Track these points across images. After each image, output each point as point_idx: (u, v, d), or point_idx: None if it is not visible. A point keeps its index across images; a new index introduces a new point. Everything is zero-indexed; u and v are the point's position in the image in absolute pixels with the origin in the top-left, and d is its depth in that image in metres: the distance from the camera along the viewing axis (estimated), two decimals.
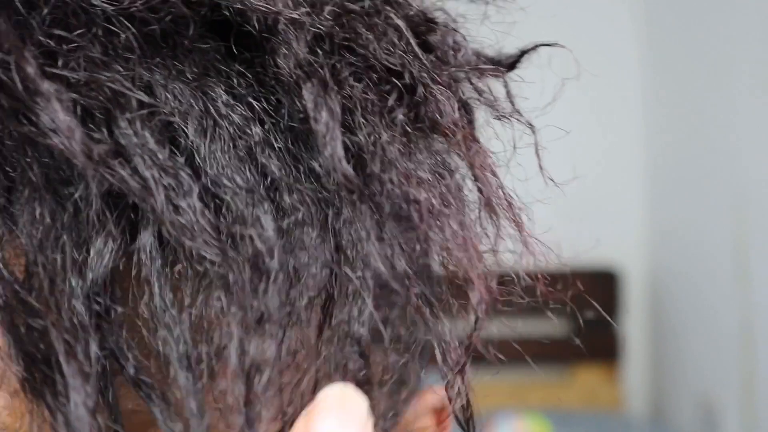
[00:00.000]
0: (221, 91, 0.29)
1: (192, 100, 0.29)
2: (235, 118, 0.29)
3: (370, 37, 0.31)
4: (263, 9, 0.30)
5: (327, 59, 0.30)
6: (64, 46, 0.28)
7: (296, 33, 0.30)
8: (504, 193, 0.33)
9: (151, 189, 0.27)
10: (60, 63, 0.28)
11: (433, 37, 0.33)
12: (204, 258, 0.27)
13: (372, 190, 0.29)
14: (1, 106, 0.27)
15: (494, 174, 0.33)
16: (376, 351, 0.36)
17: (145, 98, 0.28)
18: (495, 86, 0.35)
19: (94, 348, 0.27)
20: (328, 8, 0.31)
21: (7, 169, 0.28)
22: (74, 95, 0.27)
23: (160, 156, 0.27)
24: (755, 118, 1.77)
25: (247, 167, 0.29)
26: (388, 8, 0.32)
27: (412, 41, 0.32)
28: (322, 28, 0.30)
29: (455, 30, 0.34)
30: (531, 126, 0.34)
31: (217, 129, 0.29)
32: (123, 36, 0.29)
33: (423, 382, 0.44)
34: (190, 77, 0.29)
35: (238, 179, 0.28)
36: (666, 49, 2.17)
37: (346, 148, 0.29)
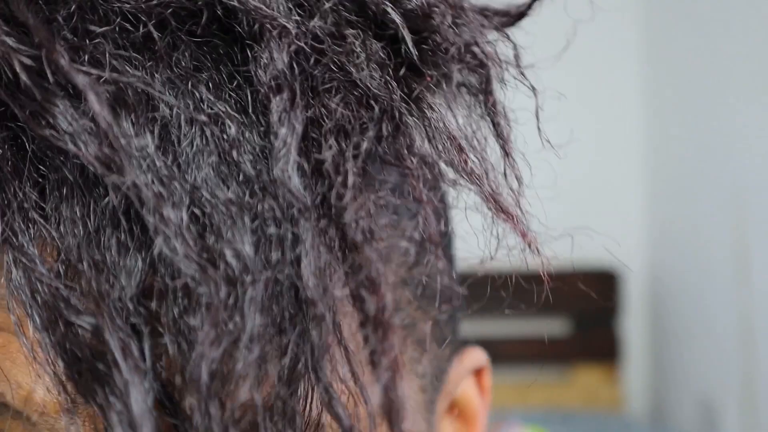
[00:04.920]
0: (206, 90, 0.29)
1: (182, 100, 0.29)
2: (219, 121, 0.29)
3: (362, 56, 0.30)
4: (254, 11, 0.30)
5: (307, 70, 0.30)
6: (89, 43, 0.29)
7: (279, 43, 0.29)
8: (493, 194, 0.33)
9: (145, 197, 0.27)
10: (86, 59, 0.28)
11: (435, 19, 0.32)
12: (185, 276, 0.27)
13: (326, 211, 0.29)
14: (21, 108, 0.28)
15: (479, 183, 0.32)
16: (417, 309, 0.37)
17: (171, 99, 0.28)
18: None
19: (147, 345, 0.27)
20: (324, 14, 0.31)
21: (40, 167, 0.29)
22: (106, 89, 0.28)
23: (157, 163, 0.28)
24: (755, 118, 1.77)
25: (227, 175, 0.29)
26: (389, 9, 0.31)
27: (409, 43, 0.31)
28: (308, 39, 0.30)
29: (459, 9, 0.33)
30: (533, 89, 0.34)
31: (203, 132, 0.29)
32: (140, 32, 0.29)
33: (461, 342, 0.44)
34: (182, 74, 0.29)
35: (219, 192, 0.28)
36: (666, 49, 2.17)
37: (315, 165, 0.29)
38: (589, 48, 2.20)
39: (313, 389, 0.29)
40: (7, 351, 0.30)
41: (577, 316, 2.16)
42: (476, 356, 0.44)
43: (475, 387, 0.44)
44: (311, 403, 0.29)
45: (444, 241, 0.39)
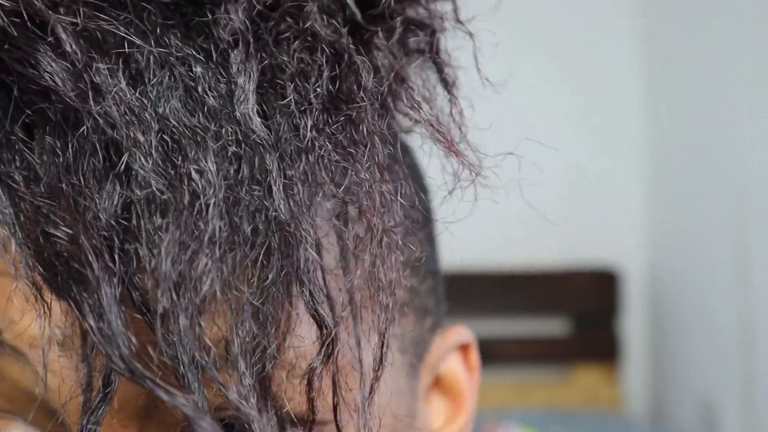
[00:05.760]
0: (176, 38, 0.33)
1: (154, 45, 0.33)
2: (187, 63, 0.33)
3: (314, 8, 0.34)
4: None
5: (262, 26, 0.34)
6: None
7: (235, 5, 0.33)
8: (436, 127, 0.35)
9: (117, 123, 0.31)
10: (63, 12, 0.32)
11: None
12: (152, 186, 0.31)
13: (283, 147, 0.32)
14: (9, 55, 0.31)
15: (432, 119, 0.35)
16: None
17: (142, 43, 0.32)
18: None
19: (117, 250, 0.31)
20: None
21: (27, 111, 0.32)
22: (76, 26, 0.32)
23: (128, 95, 0.31)
24: (756, 118, 1.77)
25: (193, 107, 0.32)
26: None
27: (351, 4, 0.35)
28: None
29: None
30: (470, 34, 0.37)
31: (173, 72, 0.32)
32: None
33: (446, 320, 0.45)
34: (151, 27, 0.33)
35: (185, 120, 0.32)
36: (666, 49, 2.17)
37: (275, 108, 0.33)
38: (589, 48, 2.21)
39: (288, 298, 0.32)
40: (3, 291, 0.34)
41: (577, 316, 2.16)
42: (460, 332, 0.45)
43: (461, 364, 0.45)
44: (285, 307, 0.32)
45: (424, 220, 0.42)
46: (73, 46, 0.31)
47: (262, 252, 0.31)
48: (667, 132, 2.18)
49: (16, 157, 0.32)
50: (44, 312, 0.32)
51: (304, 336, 0.33)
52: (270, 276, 0.31)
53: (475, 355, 0.45)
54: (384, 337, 0.34)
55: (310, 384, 0.33)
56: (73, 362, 0.33)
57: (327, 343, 0.32)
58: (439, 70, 0.37)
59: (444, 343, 0.44)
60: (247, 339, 0.31)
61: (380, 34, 0.35)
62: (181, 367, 0.30)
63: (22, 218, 0.31)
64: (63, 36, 0.31)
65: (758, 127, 1.76)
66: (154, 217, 0.30)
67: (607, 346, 2.15)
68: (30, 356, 0.33)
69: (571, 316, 2.17)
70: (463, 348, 0.45)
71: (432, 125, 0.35)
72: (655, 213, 2.22)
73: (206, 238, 0.30)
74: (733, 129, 1.86)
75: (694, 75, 2.03)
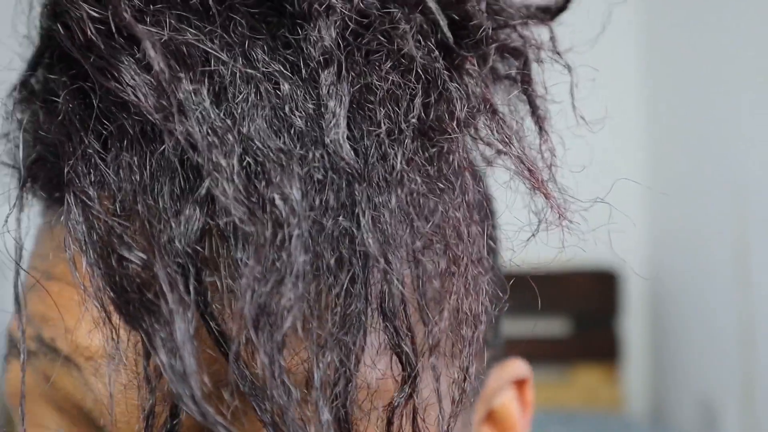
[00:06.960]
0: (262, 52, 0.31)
1: (239, 59, 0.31)
2: (273, 79, 0.31)
3: (407, 28, 0.32)
4: None
5: (353, 44, 0.32)
6: (152, 8, 0.31)
7: (327, 21, 0.31)
8: (528, 167, 0.34)
9: (199, 145, 0.29)
10: (149, 22, 0.31)
11: (468, 5, 0.34)
12: (233, 215, 0.29)
13: (371, 176, 0.31)
14: (92, 64, 0.30)
15: (520, 156, 0.34)
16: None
17: (227, 58, 0.31)
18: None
19: (192, 282, 0.29)
20: None
21: (104, 122, 0.31)
22: (162, 40, 0.30)
23: (212, 115, 0.30)
24: (756, 118, 1.77)
25: (279, 128, 0.30)
26: None
27: (444, 28, 0.33)
28: (353, 14, 0.32)
29: None
30: (568, 67, 0.36)
31: (258, 89, 0.31)
32: (198, 0, 0.31)
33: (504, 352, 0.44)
34: (237, 39, 0.31)
35: (270, 142, 0.30)
36: (666, 49, 2.17)
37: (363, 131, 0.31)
38: (589, 46, 2.21)
39: (364, 331, 0.30)
40: (60, 298, 0.33)
41: (577, 316, 2.16)
42: (518, 367, 0.44)
43: (515, 400, 0.44)
44: (364, 337, 0.30)
45: (488, 248, 0.40)
46: (161, 64, 0.29)
47: (346, 282, 0.30)
48: (667, 132, 2.18)
49: (92, 171, 0.31)
50: (112, 339, 0.31)
51: (382, 369, 0.32)
52: (356, 306, 0.30)
53: (530, 391, 0.44)
54: (467, 372, 0.32)
55: (390, 422, 0.31)
56: (133, 383, 0.32)
57: (410, 379, 0.31)
58: (532, 103, 0.35)
59: (500, 378, 0.43)
60: (328, 372, 0.29)
61: (473, 60, 0.33)
62: (259, 407, 0.28)
63: (95, 237, 0.30)
64: (151, 53, 0.29)
65: (758, 126, 1.75)
66: (234, 248, 0.29)
67: (607, 346, 2.15)
68: (84, 368, 0.32)
69: (571, 316, 2.17)
70: (519, 383, 0.44)
71: (522, 162, 0.34)
72: (655, 213, 2.22)
73: (289, 272, 0.28)
74: (733, 128, 1.85)
75: (694, 75, 2.03)
